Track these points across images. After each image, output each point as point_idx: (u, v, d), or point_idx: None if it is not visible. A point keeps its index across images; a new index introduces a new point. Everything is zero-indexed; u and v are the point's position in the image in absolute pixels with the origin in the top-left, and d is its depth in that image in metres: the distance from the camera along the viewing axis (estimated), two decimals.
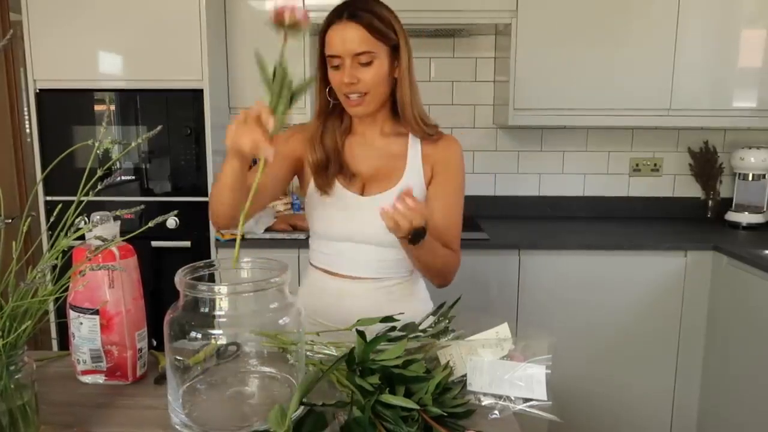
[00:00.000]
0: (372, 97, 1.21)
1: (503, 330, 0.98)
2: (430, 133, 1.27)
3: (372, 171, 1.29)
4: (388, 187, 1.26)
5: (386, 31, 1.19)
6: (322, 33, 1.21)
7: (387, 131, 1.30)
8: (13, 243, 0.73)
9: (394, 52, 1.22)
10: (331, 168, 1.27)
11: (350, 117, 1.30)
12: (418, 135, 1.28)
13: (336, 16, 1.19)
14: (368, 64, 1.18)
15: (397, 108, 1.26)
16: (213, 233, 2.30)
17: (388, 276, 1.31)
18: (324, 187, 1.27)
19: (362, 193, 1.27)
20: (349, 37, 1.17)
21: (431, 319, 1.07)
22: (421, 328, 1.03)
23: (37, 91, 2.23)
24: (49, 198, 2.27)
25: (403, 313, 1.01)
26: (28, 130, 2.86)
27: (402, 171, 1.27)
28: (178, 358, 0.85)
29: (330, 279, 1.31)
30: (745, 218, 2.60)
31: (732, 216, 2.64)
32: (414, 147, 1.29)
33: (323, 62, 1.24)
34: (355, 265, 1.29)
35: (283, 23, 0.91)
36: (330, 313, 1.25)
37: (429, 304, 1.37)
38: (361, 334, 0.88)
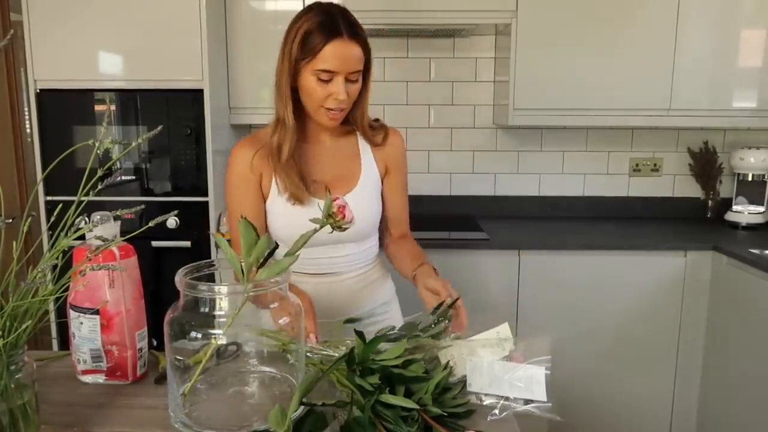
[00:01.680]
0: (347, 110, 1.25)
1: (504, 330, 0.98)
2: (376, 139, 1.34)
3: (332, 175, 1.31)
4: (350, 188, 1.31)
5: (370, 50, 1.22)
6: (318, 44, 1.15)
7: (337, 133, 1.34)
8: (14, 243, 0.73)
9: (365, 67, 1.23)
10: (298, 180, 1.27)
11: (305, 123, 1.29)
12: (368, 143, 1.34)
13: (335, 32, 1.15)
14: (356, 81, 1.21)
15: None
16: (213, 233, 2.30)
17: (359, 267, 1.37)
18: (300, 200, 1.25)
19: None
20: (351, 56, 1.17)
21: (431, 318, 1.07)
22: (420, 327, 1.03)
23: (38, 91, 2.23)
24: (49, 198, 2.26)
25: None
26: (28, 130, 2.86)
27: (359, 170, 1.33)
28: (178, 358, 0.85)
29: (303, 278, 1.32)
30: (744, 218, 2.60)
31: (732, 216, 2.64)
32: (364, 144, 1.35)
33: (295, 67, 1.19)
34: (328, 264, 1.33)
35: (336, 221, 0.96)
36: None
37: (393, 288, 1.47)
38: (360, 334, 0.89)
